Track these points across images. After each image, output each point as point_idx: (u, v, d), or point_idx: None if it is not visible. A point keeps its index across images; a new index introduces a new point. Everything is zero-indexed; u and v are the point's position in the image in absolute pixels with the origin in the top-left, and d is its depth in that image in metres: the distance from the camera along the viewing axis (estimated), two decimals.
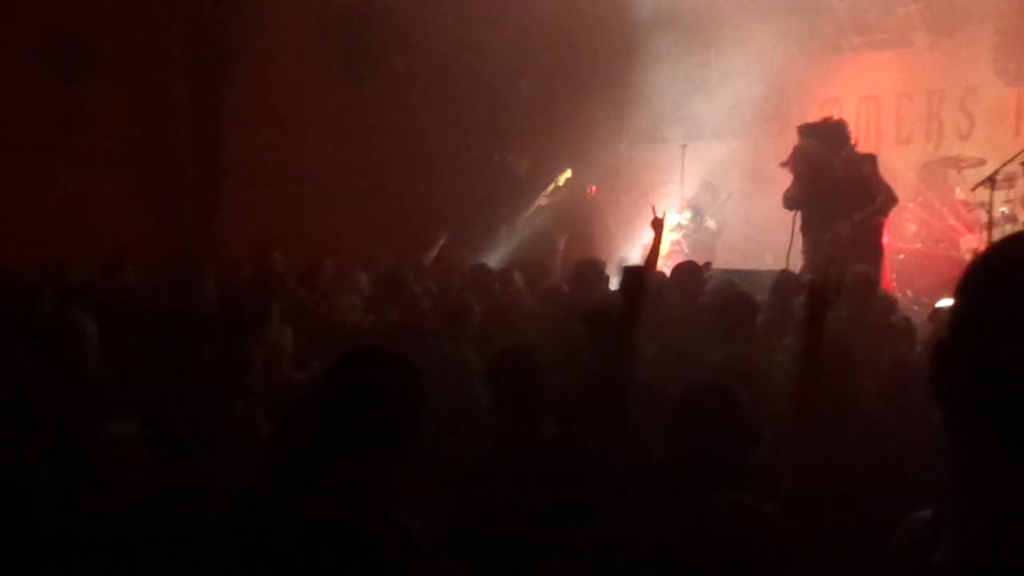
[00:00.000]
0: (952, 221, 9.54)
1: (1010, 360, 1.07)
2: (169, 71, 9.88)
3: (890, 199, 7.39)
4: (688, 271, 6.23)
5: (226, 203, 10.06)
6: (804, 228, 7.55)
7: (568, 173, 10.64)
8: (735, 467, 2.83)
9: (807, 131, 7.68)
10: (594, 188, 11.43)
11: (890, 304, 5.85)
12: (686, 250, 10.23)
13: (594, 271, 6.11)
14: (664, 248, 10.68)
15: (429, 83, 10.88)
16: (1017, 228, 7.55)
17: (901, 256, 9.12)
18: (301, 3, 9.97)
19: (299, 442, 2.48)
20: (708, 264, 6.88)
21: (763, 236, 9.62)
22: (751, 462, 2.93)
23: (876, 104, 11.29)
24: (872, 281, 5.82)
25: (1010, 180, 7.92)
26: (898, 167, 10.12)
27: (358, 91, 10.52)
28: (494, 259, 9.66)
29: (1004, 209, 8.03)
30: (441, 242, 8.83)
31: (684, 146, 10.43)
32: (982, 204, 8.04)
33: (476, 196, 11.18)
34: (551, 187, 10.89)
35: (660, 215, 6.35)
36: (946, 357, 1.13)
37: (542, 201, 10.86)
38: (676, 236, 10.41)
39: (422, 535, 2.19)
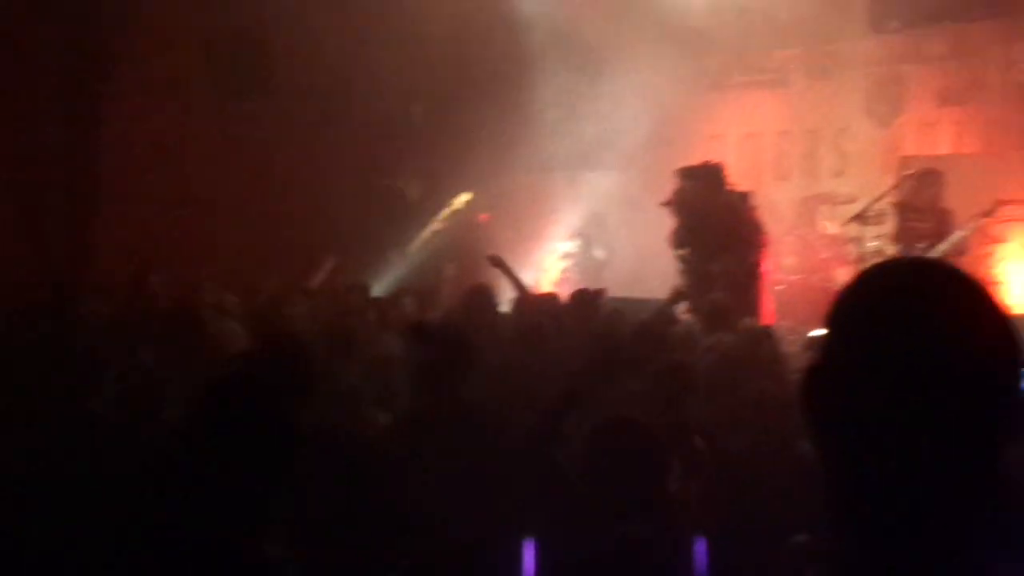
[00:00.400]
0: (827, 254, 9.95)
1: (875, 383, 1.10)
2: (42, 81, 9.42)
3: (757, 245, 7.66)
4: (585, 298, 6.43)
5: (100, 221, 9.62)
6: (685, 266, 7.75)
7: (466, 196, 10.62)
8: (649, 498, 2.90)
9: (686, 173, 7.89)
10: (485, 215, 11.45)
11: (759, 335, 6.04)
12: (575, 278, 10.36)
13: (484, 299, 6.11)
14: (554, 275, 10.85)
15: (320, 104, 10.72)
16: None
17: (779, 287, 9.43)
18: (186, 17, 9.70)
19: (169, 474, 2.36)
20: (602, 291, 6.99)
21: (650, 266, 9.82)
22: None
23: (757, 141, 11.73)
24: (725, 309, 6.08)
25: (879, 216, 8.30)
26: (777, 202, 10.52)
27: (244, 109, 10.27)
28: (384, 285, 9.56)
29: (874, 243, 8.40)
30: (328, 267, 8.68)
31: (573, 176, 10.59)
32: (854, 239, 8.41)
33: (367, 220, 11.05)
34: (446, 212, 10.85)
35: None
36: (817, 381, 1.16)
37: (436, 226, 10.82)
38: (565, 264, 10.54)
39: (299, 569, 2.11)
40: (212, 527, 2.06)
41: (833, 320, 1.18)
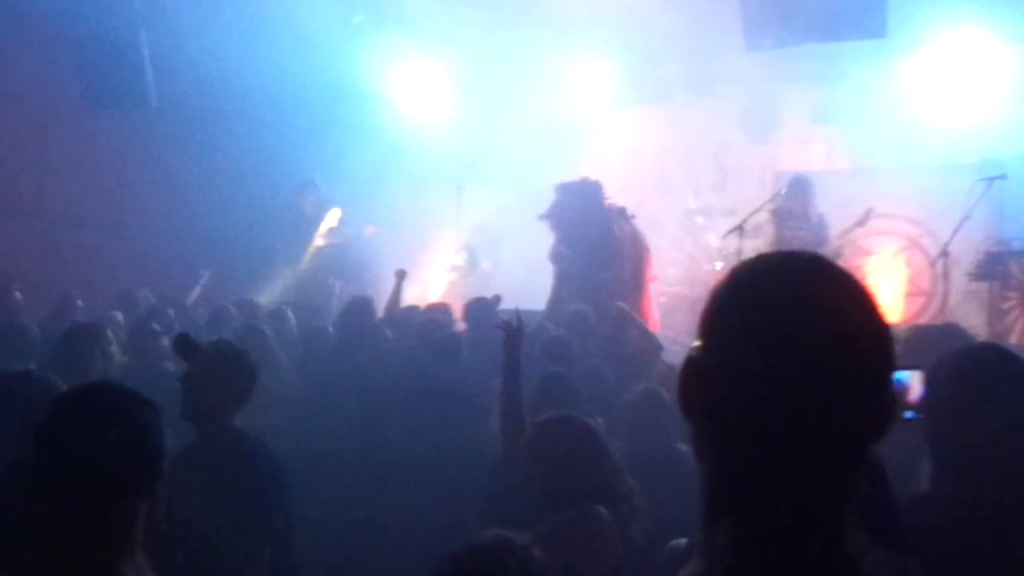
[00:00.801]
0: (707, 266, 10.19)
1: (748, 374, 1.10)
2: None
3: (631, 257, 7.80)
4: (481, 307, 6.41)
5: None
6: (564, 279, 7.82)
7: (337, 212, 10.44)
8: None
9: (564, 189, 8.02)
10: (371, 228, 11.30)
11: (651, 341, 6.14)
12: (462, 291, 10.32)
13: (362, 309, 6.01)
14: (441, 288, 10.77)
15: (194, 116, 10.37)
16: None
17: (663, 299, 9.60)
18: (49, 25, 9.23)
19: (19, 495, 2.21)
20: (498, 297, 6.97)
21: (536, 277, 9.86)
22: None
23: (640, 156, 11.96)
24: (586, 318, 6.19)
25: (757, 229, 8.54)
26: (660, 216, 10.74)
27: (114, 121, 9.85)
28: (266, 298, 9.31)
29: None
30: (204, 280, 8.40)
31: (460, 187, 10.55)
32: (733, 251, 8.62)
33: (248, 234, 10.75)
34: (325, 227, 10.65)
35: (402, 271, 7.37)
36: (694, 373, 1.15)
37: (319, 242, 10.60)
38: (452, 277, 10.49)
39: None
40: (68, 548, 1.93)
41: (708, 314, 1.17)
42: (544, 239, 8.32)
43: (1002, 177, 7.54)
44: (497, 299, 6.87)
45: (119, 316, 7.29)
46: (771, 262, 1.20)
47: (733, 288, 1.17)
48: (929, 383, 2.79)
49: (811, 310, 1.10)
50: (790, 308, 1.10)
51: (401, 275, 7.55)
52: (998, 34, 9.06)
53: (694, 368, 1.16)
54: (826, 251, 7.96)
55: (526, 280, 9.92)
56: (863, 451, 1.13)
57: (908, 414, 3.49)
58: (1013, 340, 6.93)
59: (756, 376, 1.09)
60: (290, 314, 7.89)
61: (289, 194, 10.84)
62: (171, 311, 7.33)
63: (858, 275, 1.18)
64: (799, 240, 8.14)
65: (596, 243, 7.73)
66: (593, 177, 8.45)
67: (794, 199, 8.24)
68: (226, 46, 9.40)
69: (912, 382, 3.46)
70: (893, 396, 1.15)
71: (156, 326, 5.91)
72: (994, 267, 7.36)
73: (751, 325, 1.11)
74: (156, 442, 2.05)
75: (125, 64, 9.25)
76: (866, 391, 1.10)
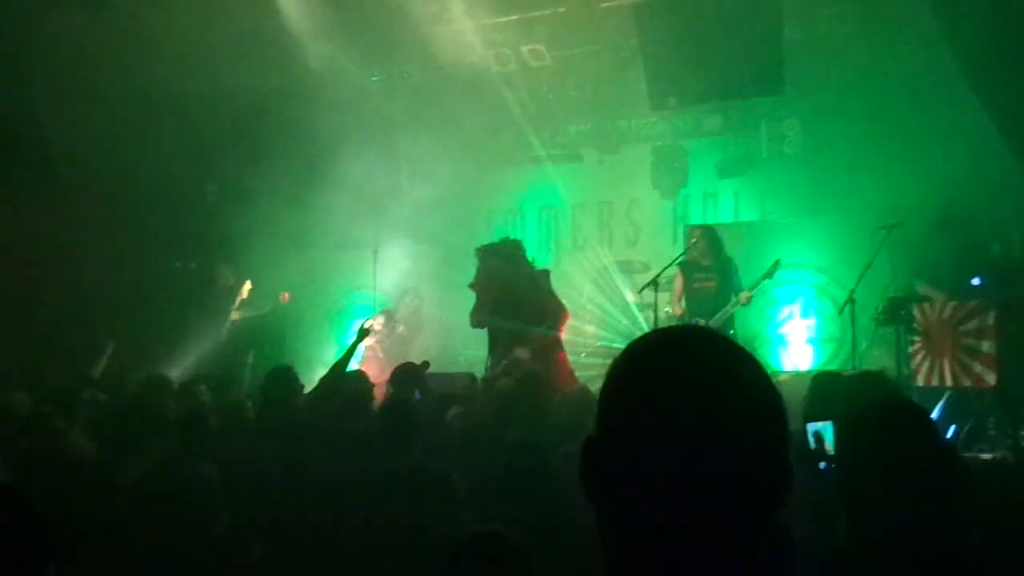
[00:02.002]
0: (625, 321, 10.30)
1: (641, 455, 1.11)
2: None
3: (561, 315, 7.87)
4: (409, 372, 6.25)
5: None
6: (495, 341, 7.81)
7: (248, 286, 10.22)
8: None
9: (488, 251, 8.03)
10: (287, 295, 11.12)
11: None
12: (380, 355, 10.21)
13: (286, 379, 5.87)
14: (359, 354, 10.62)
15: (101, 189, 10.11)
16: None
17: (583, 355, 9.65)
18: None
19: None
20: (427, 363, 6.82)
21: (456, 339, 9.83)
22: None
23: (555, 213, 12.11)
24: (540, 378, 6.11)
25: (671, 282, 8.66)
26: (575, 273, 10.87)
27: (14, 195, 9.57)
28: (176, 371, 9.04)
29: (667, 309, 8.76)
30: (108, 353, 8.11)
31: (376, 251, 10.49)
32: (648, 305, 8.73)
33: (154, 306, 10.47)
34: (237, 301, 10.42)
35: (367, 325, 7.03)
36: (589, 454, 1.15)
37: (233, 316, 10.38)
38: (369, 342, 10.35)
39: None
40: None
41: (601, 396, 1.18)
42: (463, 300, 8.31)
43: (900, 225, 7.81)
44: (426, 365, 6.73)
45: (24, 398, 6.99)
46: (657, 342, 1.21)
47: (621, 370, 1.18)
48: (838, 437, 2.81)
49: (696, 388, 1.11)
50: (674, 389, 1.12)
51: (363, 333, 7.18)
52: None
53: (590, 449, 1.17)
54: (732, 304, 8.13)
55: (446, 343, 9.88)
56: (757, 523, 1.13)
57: (822, 465, 3.51)
58: (919, 383, 7.12)
59: (642, 457, 1.10)
60: (201, 387, 7.67)
61: (184, 264, 10.63)
62: (85, 392, 7.06)
63: (745, 347, 1.20)
64: (706, 291, 8.28)
65: (523, 301, 7.76)
66: (512, 237, 8.54)
67: (700, 250, 8.39)
68: (131, 117, 9.26)
69: (827, 433, 3.50)
70: (787, 467, 1.16)
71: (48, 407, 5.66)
72: (898, 312, 7.58)
73: (636, 408, 1.13)
74: (26, 556, 1.98)
75: (27, 138, 9.04)
76: (757, 465, 1.11)
